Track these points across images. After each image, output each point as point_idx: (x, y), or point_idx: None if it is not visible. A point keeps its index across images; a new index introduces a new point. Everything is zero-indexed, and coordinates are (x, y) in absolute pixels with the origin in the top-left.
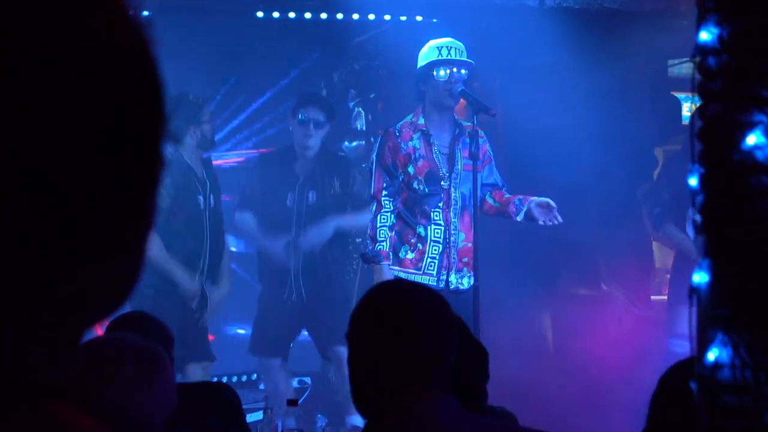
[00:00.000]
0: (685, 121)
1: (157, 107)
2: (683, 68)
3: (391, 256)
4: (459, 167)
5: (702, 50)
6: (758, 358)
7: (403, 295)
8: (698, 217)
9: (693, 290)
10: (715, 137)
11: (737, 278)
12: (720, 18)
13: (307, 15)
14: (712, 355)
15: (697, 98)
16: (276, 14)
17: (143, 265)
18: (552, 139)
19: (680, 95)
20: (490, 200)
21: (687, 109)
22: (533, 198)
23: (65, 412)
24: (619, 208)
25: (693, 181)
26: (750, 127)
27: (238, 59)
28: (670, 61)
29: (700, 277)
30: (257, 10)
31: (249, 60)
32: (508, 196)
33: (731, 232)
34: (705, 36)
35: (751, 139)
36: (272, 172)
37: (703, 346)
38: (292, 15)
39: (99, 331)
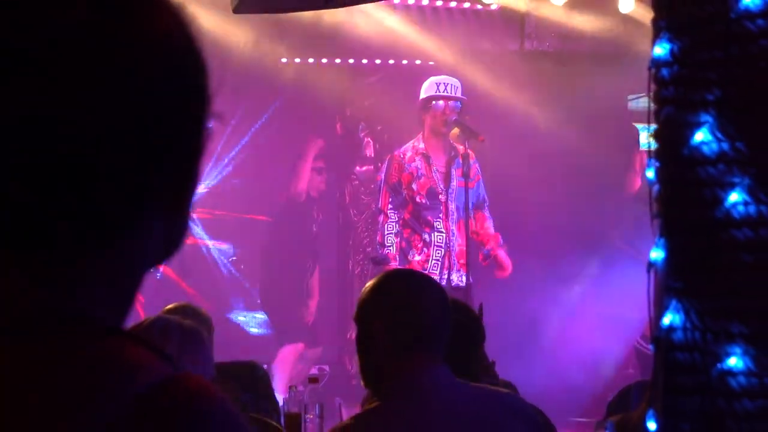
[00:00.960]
0: (642, 147)
1: (205, 92)
2: (640, 102)
3: (398, 258)
4: (454, 184)
5: (657, 63)
6: (706, 322)
7: (409, 279)
8: (655, 204)
9: (650, 265)
10: (668, 136)
11: (689, 254)
12: (671, 36)
13: (324, 60)
14: (667, 320)
15: (652, 127)
16: (298, 60)
17: (189, 223)
18: (531, 163)
19: (638, 125)
20: (472, 222)
21: (644, 137)
22: (500, 252)
23: (124, 345)
24: (588, 220)
25: (650, 174)
26: (698, 126)
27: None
28: (629, 96)
29: (657, 254)
30: (282, 57)
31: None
32: (482, 231)
33: (683, 216)
34: (659, 51)
35: (699, 136)
36: None
37: (659, 313)
38: (311, 60)
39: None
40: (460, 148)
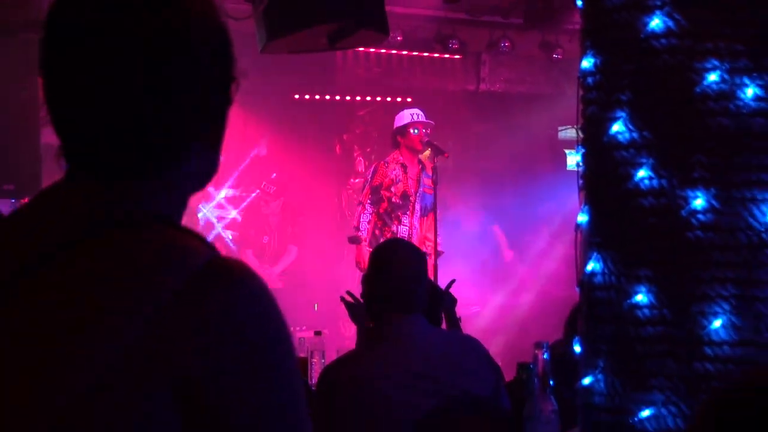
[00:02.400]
0: (570, 168)
1: (231, 60)
2: (568, 132)
3: (370, 242)
4: (421, 190)
5: (584, 73)
6: (619, 268)
7: (390, 247)
8: (581, 180)
9: (577, 226)
10: (592, 128)
11: (606, 217)
12: (594, 52)
13: (327, 97)
14: (589, 267)
15: (580, 148)
16: (307, 96)
17: (218, 162)
18: (483, 176)
19: (567, 150)
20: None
21: (571, 160)
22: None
23: (186, 235)
24: (525, 221)
25: (578, 158)
26: (614, 120)
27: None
28: (560, 128)
29: (582, 218)
30: (295, 94)
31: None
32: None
33: (602, 188)
34: (586, 64)
35: (615, 128)
36: None
37: (584, 262)
38: (317, 97)
39: None
40: (430, 162)
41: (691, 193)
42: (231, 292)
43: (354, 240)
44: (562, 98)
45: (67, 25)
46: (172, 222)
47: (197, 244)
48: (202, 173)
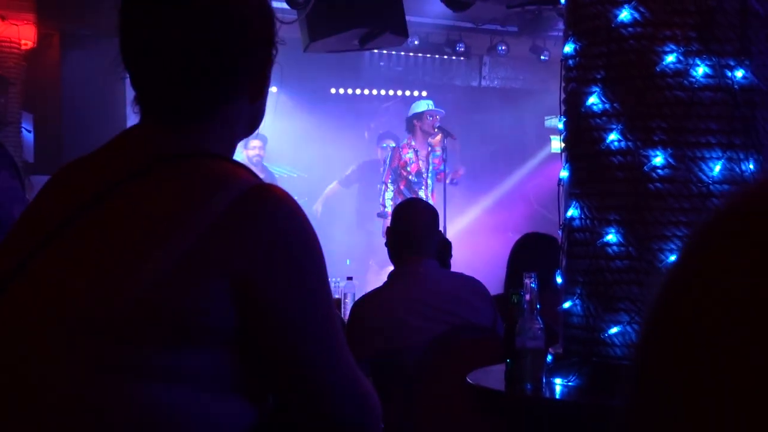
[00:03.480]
0: (554, 151)
1: (273, 26)
2: (553, 121)
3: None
4: (431, 168)
5: (565, 56)
6: (593, 213)
7: (406, 205)
8: (562, 143)
9: (559, 181)
10: (572, 100)
11: (583, 173)
12: (575, 39)
13: (357, 91)
14: (569, 213)
15: (562, 122)
16: (342, 90)
17: (264, 112)
18: (482, 154)
19: (552, 136)
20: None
21: (555, 144)
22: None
23: (236, 166)
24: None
25: (560, 125)
26: (590, 94)
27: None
28: (546, 117)
29: (564, 173)
30: (331, 88)
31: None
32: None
33: (580, 149)
34: (567, 48)
35: (591, 100)
36: None
37: (565, 209)
38: (349, 91)
39: None
40: (439, 143)
41: (652, 153)
42: (275, 209)
43: (382, 215)
44: (548, 93)
45: None
46: (224, 156)
47: (244, 172)
48: (248, 119)
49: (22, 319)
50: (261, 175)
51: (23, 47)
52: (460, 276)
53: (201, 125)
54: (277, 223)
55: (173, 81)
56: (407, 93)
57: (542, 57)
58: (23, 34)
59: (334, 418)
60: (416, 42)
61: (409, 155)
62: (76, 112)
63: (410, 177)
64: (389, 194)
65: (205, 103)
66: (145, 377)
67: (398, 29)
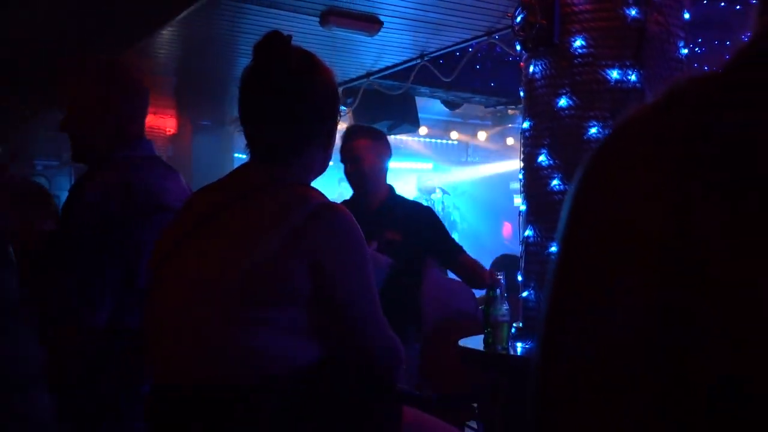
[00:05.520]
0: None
1: (338, 99)
2: (515, 185)
3: None
4: None
5: (524, 130)
6: (542, 233)
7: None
8: (521, 185)
9: (519, 212)
10: (528, 158)
11: (535, 206)
12: (529, 118)
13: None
14: (526, 233)
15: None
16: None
17: (330, 158)
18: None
19: (515, 195)
20: None
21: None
22: None
23: (311, 190)
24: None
25: (520, 175)
26: (540, 154)
27: None
28: (511, 182)
29: (522, 206)
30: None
31: None
32: None
33: (532, 190)
34: (525, 125)
35: (540, 158)
36: None
37: (523, 231)
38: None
39: None
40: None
41: None
42: (335, 218)
43: None
44: (511, 161)
45: (259, 81)
46: (303, 184)
47: (317, 194)
48: (320, 162)
49: (178, 280)
50: None
51: (167, 133)
52: (451, 280)
53: (287, 164)
54: (335, 227)
55: (271, 138)
56: (418, 165)
57: (507, 142)
58: (167, 123)
59: (372, 359)
60: (426, 130)
61: None
62: (201, 179)
63: None
64: None
65: (289, 150)
66: (252, 325)
67: (413, 121)
